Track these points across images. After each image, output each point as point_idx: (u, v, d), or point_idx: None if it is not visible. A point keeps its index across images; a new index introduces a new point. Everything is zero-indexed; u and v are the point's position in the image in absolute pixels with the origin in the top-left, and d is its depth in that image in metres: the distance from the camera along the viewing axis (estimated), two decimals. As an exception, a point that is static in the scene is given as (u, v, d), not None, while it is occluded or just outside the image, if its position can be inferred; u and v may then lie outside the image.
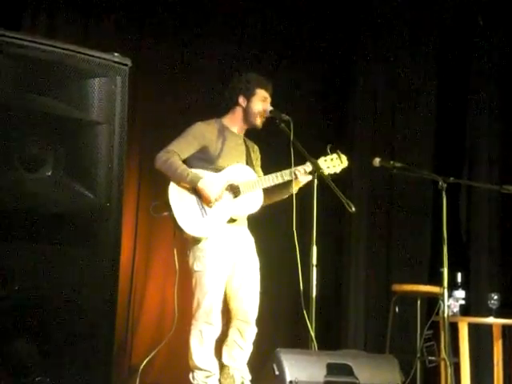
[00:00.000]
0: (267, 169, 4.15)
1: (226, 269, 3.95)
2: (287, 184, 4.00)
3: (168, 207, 3.87)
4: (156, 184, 5.30)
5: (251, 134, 4.22)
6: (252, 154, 4.17)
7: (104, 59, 3.38)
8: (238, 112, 4.11)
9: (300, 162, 3.96)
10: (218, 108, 4.18)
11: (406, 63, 6.13)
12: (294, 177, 3.94)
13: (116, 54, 3.43)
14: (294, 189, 3.97)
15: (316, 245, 3.68)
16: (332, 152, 4.06)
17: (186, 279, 3.98)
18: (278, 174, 3.98)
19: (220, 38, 5.58)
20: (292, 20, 5.83)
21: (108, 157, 3.36)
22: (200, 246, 3.90)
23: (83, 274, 3.26)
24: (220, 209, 3.92)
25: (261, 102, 4.07)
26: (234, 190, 3.97)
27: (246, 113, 4.10)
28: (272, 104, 4.09)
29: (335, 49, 6.01)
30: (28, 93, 3.17)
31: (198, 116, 4.77)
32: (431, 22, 6.09)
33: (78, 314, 3.22)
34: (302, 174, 3.98)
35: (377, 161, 4.40)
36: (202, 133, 4.02)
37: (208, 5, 5.54)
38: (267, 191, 4.04)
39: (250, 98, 4.08)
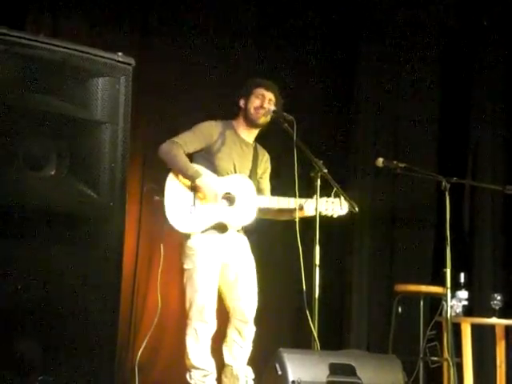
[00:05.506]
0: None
1: (217, 267, 3.95)
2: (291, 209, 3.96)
3: (162, 194, 3.89)
4: (159, 183, 5.35)
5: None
6: (259, 164, 4.17)
7: (108, 59, 3.38)
8: (241, 114, 4.15)
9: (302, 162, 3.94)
10: (221, 107, 4.21)
11: (409, 64, 6.12)
12: (298, 207, 3.87)
13: (120, 54, 3.43)
14: (299, 216, 3.86)
15: (319, 245, 3.68)
16: (335, 196, 3.97)
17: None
18: (281, 198, 3.97)
19: (222, 38, 5.59)
20: (295, 21, 5.83)
21: (111, 156, 3.36)
22: (189, 243, 3.92)
23: (86, 273, 3.26)
24: (209, 211, 3.93)
25: (257, 99, 4.09)
26: (229, 200, 3.98)
27: (245, 112, 4.12)
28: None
29: (338, 49, 6.01)
30: (32, 92, 3.17)
31: (201, 114, 4.76)
32: (435, 22, 6.08)
33: (80, 313, 3.22)
34: (304, 211, 3.92)
35: (380, 161, 4.40)
36: (209, 131, 4.05)
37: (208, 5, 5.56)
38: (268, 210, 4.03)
39: (247, 98, 4.12)
